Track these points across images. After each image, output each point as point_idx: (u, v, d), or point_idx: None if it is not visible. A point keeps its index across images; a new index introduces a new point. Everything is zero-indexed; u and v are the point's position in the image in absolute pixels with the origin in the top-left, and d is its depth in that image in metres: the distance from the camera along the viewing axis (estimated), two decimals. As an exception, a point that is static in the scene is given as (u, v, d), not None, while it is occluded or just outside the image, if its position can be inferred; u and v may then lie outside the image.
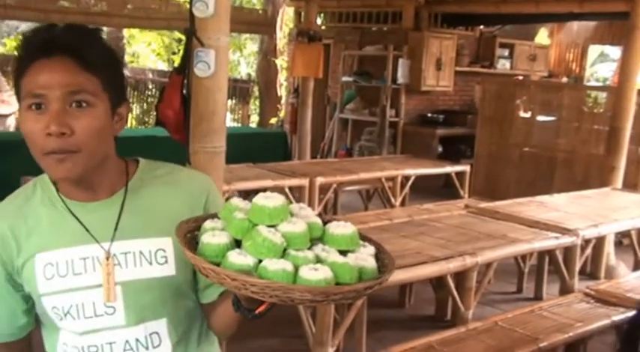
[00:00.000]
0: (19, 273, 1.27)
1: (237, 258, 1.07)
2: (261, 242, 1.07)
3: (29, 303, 1.31)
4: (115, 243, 1.26)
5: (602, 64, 12.79)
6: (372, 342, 3.68)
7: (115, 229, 1.26)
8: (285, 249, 1.09)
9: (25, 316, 1.31)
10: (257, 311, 1.12)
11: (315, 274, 1.04)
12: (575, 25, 11.12)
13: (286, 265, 1.05)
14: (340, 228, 1.15)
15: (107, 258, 1.25)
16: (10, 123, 9.64)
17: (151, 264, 1.27)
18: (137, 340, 1.28)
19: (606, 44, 11.43)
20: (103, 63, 1.22)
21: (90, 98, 1.18)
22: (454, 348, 3.02)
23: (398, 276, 3.27)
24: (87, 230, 1.26)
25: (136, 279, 1.27)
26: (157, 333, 1.30)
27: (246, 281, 1.02)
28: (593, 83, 11.48)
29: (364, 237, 1.20)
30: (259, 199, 1.13)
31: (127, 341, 1.28)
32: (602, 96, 7.28)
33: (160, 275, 1.28)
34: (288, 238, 1.10)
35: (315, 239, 1.14)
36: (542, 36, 11.06)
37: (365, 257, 1.13)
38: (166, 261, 1.28)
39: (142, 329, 1.28)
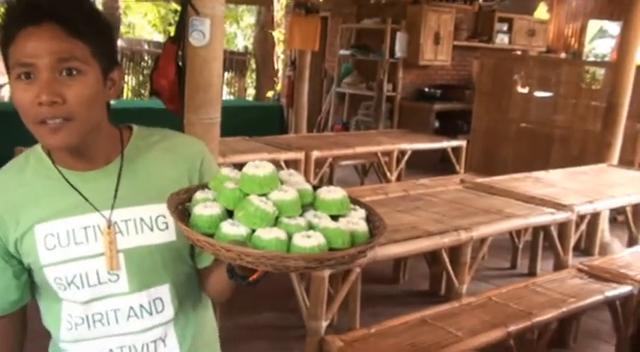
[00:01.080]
0: (16, 247, 1.26)
1: (231, 229, 1.06)
2: (254, 211, 1.07)
3: (21, 279, 1.30)
4: (115, 211, 1.26)
5: (600, 40, 12.71)
6: (366, 317, 3.68)
7: (115, 197, 1.26)
8: (277, 217, 1.09)
9: (16, 292, 1.31)
10: (250, 279, 1.12)
11: (308, 241, 1.04)
12: (574, 0, 11.03)
13: (280, 234, 1.05)
14: (331, 193, 1.15)
15: (109, 227, 1.25)
16: (4, 94, 9.57)
17: (152, 230, 1.28)
18: (141, 306, 1.29)
19: (605, 19, 11.34)
20: (92, 29, 1.19)
21: (80, 65, 1.16)
22: (448, 323, 3.02)
23: (393, 250, 3.27)
24: (86, 199, 1.25)
25: (138, 246, 1.27)
26: (160, 299, 1.31)
27: (241, 251, 1.02)
28: (591, 59, 11.41)
29: (354, 201, 1.20)
30: (249, 168, 1.12)
31: (131, 308, 1.28)
32: (601, 72, 7.23)
33: (161, 241, 1.28)
34: (279, 206, 1.09)
35: (307, 205, 1.15)
36: (542, 11, 10.96)
37: (356, 221, 1.13)
38: (167, 227, 1.29)
39: (145, 296, 1.29)
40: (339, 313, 3.53)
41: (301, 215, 1.12)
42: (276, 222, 1.08)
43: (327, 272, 3.04)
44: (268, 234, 1.04)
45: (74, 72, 1.16)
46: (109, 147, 1.28)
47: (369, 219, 1.17)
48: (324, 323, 3.12)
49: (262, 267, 1.03)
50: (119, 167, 1.27)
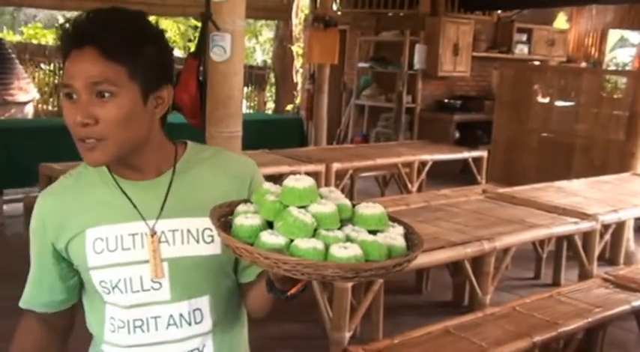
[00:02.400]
0: (66, 248, 1.31)
1: (270, 238, 1.09)
2: (292, 222, 1.09)
3: (68, 281, 1.35)
4: (161, 220, 1.29)
5: (621, 49, 12.63)
6: (389, 327, 3.67)
7: (162, 207, 1.29)
8: (315, 229, 1.11)
9: (63, 292, 1.36)
10: (289, 293, 1.14)
11: (345, 252, 1.05)
12: (594, 9, 10.97)
13: (317, 244, 1.06)
14: (369, 208, 1.17)
15: (152, 235, 1.28)
16: (29, 111, 9.71)
17: (198, 242, 1.30)
18: (181, 315, 1.31)
19: (626, 29, 11.27)
20: (131, 51, 1.21)
21: (112, 88, 1.19)
22: (472, 333, 3.00)
23: (415, 261, 3.25)
24: (135, 207, 1.29)
25: (183, 256, 1.30)
26: (199, 310, 1.33)
27: (279, 259, 1.04)
28: (612, 68, 11.33)
29: (393, 219, 1.21)
30: (289, 181, 1.15)
31: (171, 316, 1.31)
32: (622, 81, 7.18)
33: (207, 253, 1.31)
34: (318, 218, 1.11)
35: (345, 220, 1.16)
36: (561, 20, 10.92)
37: (394, 236, 1.14)
38: (213, 240, 1.31)
39: (186, 305, 1.31)
40: (361, 324, 3.52)
41: (340, 229, 1.13)
42: (314, 234, 1.10)
43: (350, 283, 3.04)
44: (306, 244, 1.06)
45: (106, 94, 1.20)
46: (161, 159, 1.32)
47: (407, 237, 1.18)
48: (347, 334, 3.12)
49: (299, 276, 1.05)
50: (170, 179, 1.32)
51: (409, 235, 1.19)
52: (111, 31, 1.20)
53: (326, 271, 1.03)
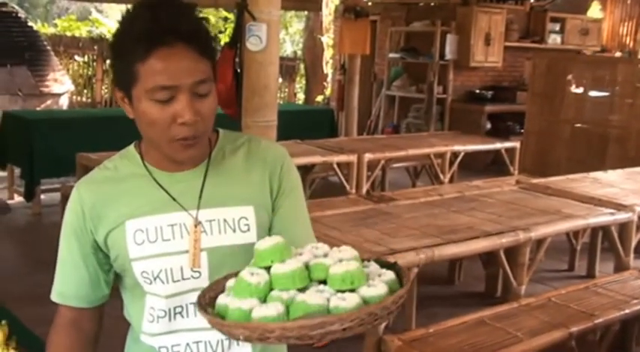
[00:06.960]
0: (105, 240, 1.31)
1: (224, 299, 1.14)
2: (243, 284, 1.12)
3: (108, 275, 1.36)
4: (200, 211, 1.30)
5: (657, 39, 12.36)
6: (423, 318, 3.67)
7: (200, 198, 1.31)
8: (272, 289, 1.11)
9: (104, 285, 1.36)
10: None
11: (263, 311, 1.06)
12: (629, -2, 10.79)
13: (242, 304, 1.09)
14: (335, 267, 1.11)
15: (195, 226, 1.29)
16: (63, 102, 9.84)
17: (234, 231, 1.32)
18: None
19: (662, 17, 11.04)
20: (212, 46, 1.24)
21: (210, 84, 1.23)
22: (507, 323, 2.99)
23: (450, 251, 3.25)
24: (174, 199, 1.30)
25: (220, 246, 1.31)
26: None
27: (212, 321, 1.11)
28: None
29: (385, 264, 1.17)
30: (258, 244, 1.16)
31: None
32: (658, 71, 7.06)
33: (243, 242, 1.31)
34: (273, 278, 1.11)
35: (319, 280, 1.13)
36: (595, 9, 10.75)
37: (346, 296, 1.06)
38: (249, 229, 1.32)
39: None
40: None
41: (305, 288, 1.10)
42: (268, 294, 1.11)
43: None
44: (235, 303, 1.09)
45: (205, 90, 1.22)
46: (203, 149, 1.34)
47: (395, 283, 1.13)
48: (382, 325, 3.13)
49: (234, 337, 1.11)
50: (205, 169, 1.33)
51: (394, 284, 1.12)
52: (196, 27, 1.21)
53: (227, 329, 1.09)
